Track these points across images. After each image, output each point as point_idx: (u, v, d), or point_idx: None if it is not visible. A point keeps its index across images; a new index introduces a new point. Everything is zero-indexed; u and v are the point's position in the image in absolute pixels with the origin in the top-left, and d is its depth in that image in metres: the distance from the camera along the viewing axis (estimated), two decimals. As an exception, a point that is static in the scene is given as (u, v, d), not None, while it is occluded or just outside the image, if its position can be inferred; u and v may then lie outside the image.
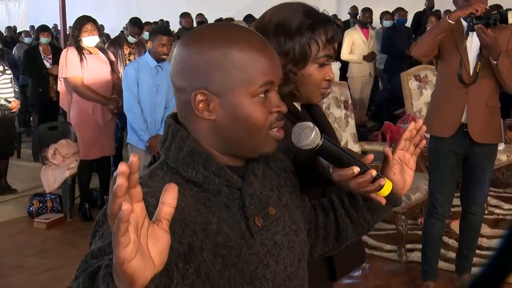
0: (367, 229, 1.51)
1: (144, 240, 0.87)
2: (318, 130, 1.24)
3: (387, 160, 1.38)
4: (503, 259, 0.70)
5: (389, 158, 1.38)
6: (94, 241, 1.12)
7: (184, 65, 1.20)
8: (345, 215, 1.49)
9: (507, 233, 0.72)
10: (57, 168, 5.58)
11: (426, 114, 3.92)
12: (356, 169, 1.25)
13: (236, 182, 1.22)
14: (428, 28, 3.62)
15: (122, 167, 0.83)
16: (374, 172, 1.26)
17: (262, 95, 1.20)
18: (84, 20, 5.42)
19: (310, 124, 1.24)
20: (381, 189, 1.29)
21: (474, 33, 3.47)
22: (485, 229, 4.85)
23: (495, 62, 3.41)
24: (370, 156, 1.30)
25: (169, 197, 0.90)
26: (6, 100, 6.30)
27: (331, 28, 1.76)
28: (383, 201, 1.33)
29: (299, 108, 1.87)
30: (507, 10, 3.35)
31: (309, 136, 1.23)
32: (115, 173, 0.83)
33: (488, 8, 3.36)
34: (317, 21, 1.75)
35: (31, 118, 9.03)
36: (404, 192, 1.42)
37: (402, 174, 1.40)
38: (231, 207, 1.21)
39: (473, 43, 3.51)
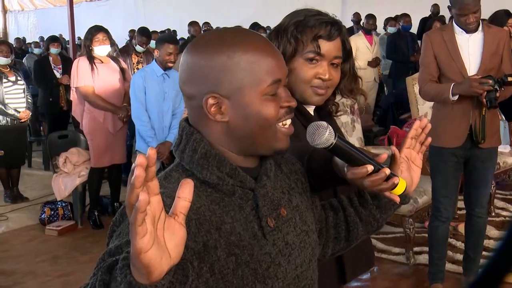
0: (377, 227, 1.53)
1: (160, 233, 0.90)
2: (332, 129, 1.26)
3: (394, 159, 1.41)
4: (502, 259, 0.71)
5: (396, 156, 1.41)
6: (111, 240, 1.15)
7: (192, 72, 1.23)
8: (355, 214, 1.51)
9: (506, 233, 0.73)
10: (68, 176, 5.64)
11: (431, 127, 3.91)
12: (370, 168, 1.26)
13: (249, 183, 1.24)
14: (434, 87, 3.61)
15: (140, 159, 0.86)
16: (388, 171, 1.28)
17: (272, 93, 1.23)
18: (96, 30, 5.50)
19: (324, 123, 1.27)
20: (394, 187, 1.30)
21: (470, 37, 3.51)
22: (492, 231, 4.87)
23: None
24: (384, 155, 1.32)
25: (185, 192, 0.93)
26: (15, 110, 6.37)
27: (322, 27, 1.76)
28: (397, 200, 1.35)
29: (312, 113, 1.88)
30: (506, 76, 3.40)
31: (323, 135, 1.25)
32: (133, 165, 0.86)
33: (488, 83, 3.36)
34: (308, 19, 1.77)
35: (42, 128, 9.11)
36: (412, 190, 1.45)
37: (409, 171, 1.42)
38: (245, 208, 1.24)
39: (469, 48, 3.51)
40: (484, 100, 3.38)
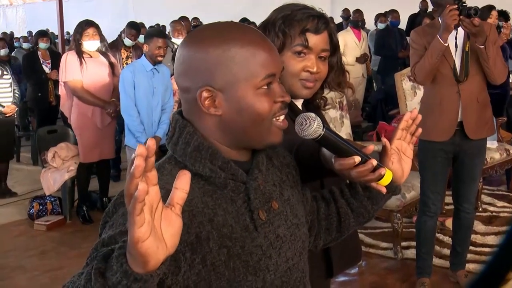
0: (368, 218, 1.55)
1: (157, 223, 0.91)
2: (320, 121, 1.28)
3: (385, 150, 1.43)
4: (503, 257, 0.71)
5: (387, 148, 1.43)
6: (104, 231, 1.15)
7: (187, 65, 1.24)
8: (346, 205, 1.52)
9: (508, 231, 0.73)
10: (57, 171, 5.62)
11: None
12: (357, 159, 1.29)
13: (241, 176, 1.26)
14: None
15: (140, 149, 0.87)
16: (374, 162, 1.30)
17: (265, 87, 1.24)
18: (86, 25, 5.48)
19: (313, 114, 1.28)
20: (381, 178, 1.32)
21: (456, 31, 3.53)
22: (479, 226, 4.92)
23: (482, 46, 3.41)
24: (371, 147, 1.35)
25: (182, 183, 0.94)
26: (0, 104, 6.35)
27: (309, 21, 1.77)
28: (384, 190, 1.37)
29: (300, 107, 1.89)
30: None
31: (311, 126, 1.27)
32: (133, 155, 0.87)
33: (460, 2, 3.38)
34: (295, 13, 1.79)
35: (30, 123, 9.07)
36: (403, 180, 1.46)
37: (400, 162, 1.44)
38: (236, 201, 1.25)
39: (457, 42, 3.50)
40: (467, 20, 3.35)
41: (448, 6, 3.39)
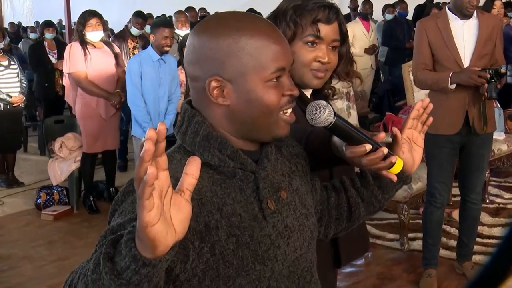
0: (379, 207, 1.56)
1: (167, 208, 0.91)
2: (331, 109, 1.28)
3: (396, 140, 1.42)
4: (502, 258, 0.69)
5: (397, 137, 1.42)
6: (113, 219, 1.16)
7: (197, 54, 1.24)
8: (357, 194, 1.53)
9: (507, 231, 0.70)
10: (64, 161, 5.64)
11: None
12: (368, 146, 1.29)
13: (250, 166, 1.26)
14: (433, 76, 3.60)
15: (150, 132, 0.86)
16: (385, 150, 1.30)
17: (275, 80, 1.23)
18: (89, 15, 5.43)
19: (324, 102, 1.28)
20: (392, 166, 1.33)
21: (465, 23, 3.52)
22: (486, 218, 4.91)
23: None
24: (382, 134, 1.35)
25: (192, 169, 0.94)
26: (7, 94, 6.35)
27: (321, 11, 1.77)
28: (394, 178, 1.38)
29: (309, 97, 1.89)
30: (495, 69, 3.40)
31: (323, 113, 1.27)
32: (143, 139, 0.87)
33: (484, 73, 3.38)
34: (306, 3, 1.79)
35: (37, 113, 9.09)
36: (414, 170, 1.47)
37: (411, 152, 1.44)
38: (245, 190, 1.25)
39: (464, 34, 3.51)
40: (486, 93, 3.39)
41: (480, 74, 3.38)
